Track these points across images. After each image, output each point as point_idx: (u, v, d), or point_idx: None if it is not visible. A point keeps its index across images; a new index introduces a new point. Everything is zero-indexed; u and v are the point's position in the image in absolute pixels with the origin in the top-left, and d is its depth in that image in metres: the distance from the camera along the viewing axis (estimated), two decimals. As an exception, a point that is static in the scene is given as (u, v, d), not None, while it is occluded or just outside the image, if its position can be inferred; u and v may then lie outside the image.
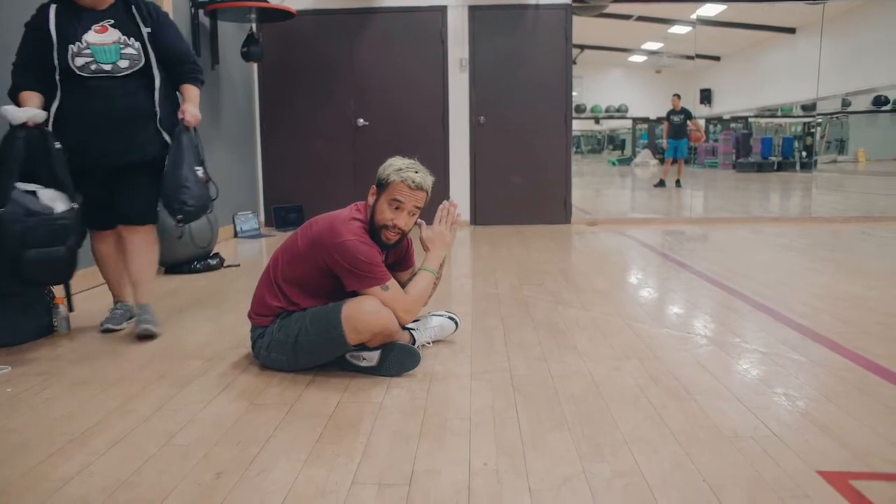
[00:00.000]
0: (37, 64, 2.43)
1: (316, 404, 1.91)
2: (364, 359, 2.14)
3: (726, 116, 12.72)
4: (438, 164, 6.03)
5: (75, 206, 2.43)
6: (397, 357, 2.14)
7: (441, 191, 5.85)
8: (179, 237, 3.68)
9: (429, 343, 2.42)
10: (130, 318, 2.80)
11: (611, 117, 12.82)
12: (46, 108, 2.45)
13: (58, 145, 2.41)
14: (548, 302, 3.16)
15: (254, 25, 5.60)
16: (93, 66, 2.44)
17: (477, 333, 2.63)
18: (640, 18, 9.59)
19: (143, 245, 2.68)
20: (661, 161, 11.47)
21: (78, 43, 2.43)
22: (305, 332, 2.07)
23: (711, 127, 12.88)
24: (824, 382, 2.04)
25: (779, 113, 12.73)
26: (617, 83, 12.81)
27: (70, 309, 2.83)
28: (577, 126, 11.92)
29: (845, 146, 13.25)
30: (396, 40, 6.13)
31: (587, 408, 1.86)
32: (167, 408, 1.91)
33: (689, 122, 9.57)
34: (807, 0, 7.70)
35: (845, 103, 12.01)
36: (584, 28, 6.98)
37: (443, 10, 6.05)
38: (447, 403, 1.91)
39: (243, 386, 2.08)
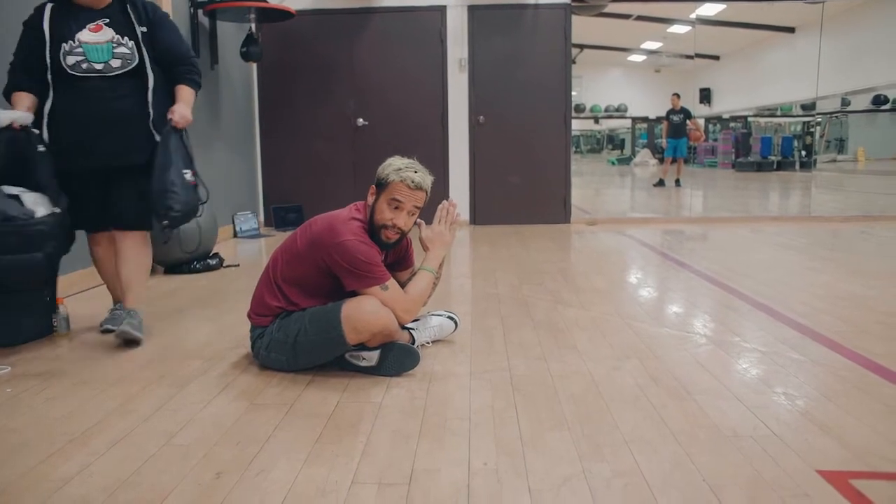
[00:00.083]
0: (32, 63, 2.42)
1: (315, 404, 1.91)
2: (363, 359, 2.14)
3: (726, 116, 12.73)
4: (438, 164, 6.02)
5: (57, 210, 2.39)
6: (397, 357, 2.14)
7: (440, 190, 5.85)
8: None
9: (428, 343, 2.42)
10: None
11: (610, 117, 12.82)
12: (39, 108, 2.43)
13: (41, 148, 2.38)
14: (547, 301, 3.16)
15: (253, 25, 5.60)
16: (84, 65, 2.41)
17: (476, 333, 2.63)
18: (640, 18, 9.60)
19: (134, 249, 2.63)
20: (661, 160, 11.48)
21: (70, 41, 2.41)
22: (305, 332, 2.07)
23: (711, 126, 12.89)
24: (824, 381, 2.04)
25: (778, 112, 12.73)
26: (616, 83, 12.82)
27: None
28: (577, 125, 11.88)
29: (845, 145, 13.26)
30: (396, 40, 6.13)
31: (587, 407, 1.86)
32: (167, 408, 1.91)
33: (688, 121, 9.57)
34: (806, -1, 7.71)
35: (845, 102, 12.01)
36: (583, 27, 6.98)
37: (442, 9, 6.05)
38: (447, 403, 1.91)
39: (243, 386, 2.08)
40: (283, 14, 5.37)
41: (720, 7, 8.80)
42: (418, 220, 2.23)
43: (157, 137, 2.52)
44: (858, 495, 1.36)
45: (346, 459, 1.56)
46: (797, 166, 12.53)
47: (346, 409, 1.88)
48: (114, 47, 2.45)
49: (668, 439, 1.64)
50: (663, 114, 9.85)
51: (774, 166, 12.51)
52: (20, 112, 2.37)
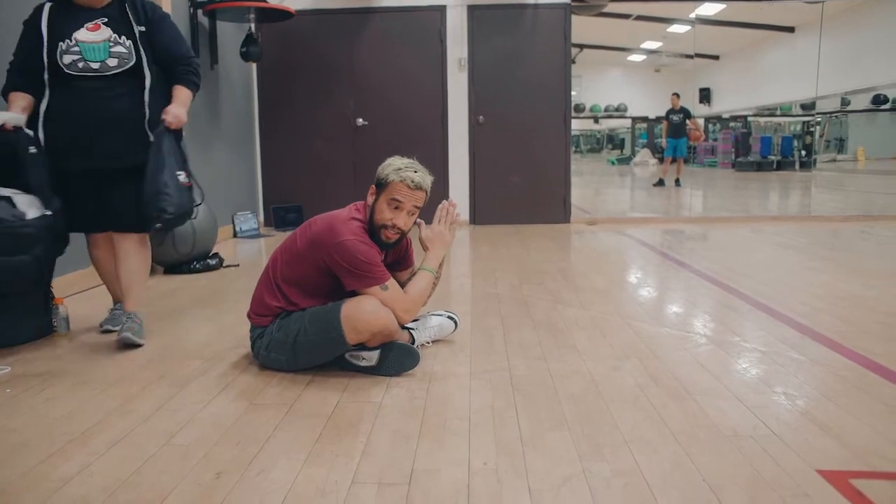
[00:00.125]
0: (30, 63, 2.41)
1: (315, 404, 1.91)
2: (363, 358, 2.14)
3: (725, 115, 12.73)
4: (438, 164, 6.03)
5: (48, 213, 2.38)
6: (397, 357, 2.14)
7: (440, 190, 5.85)
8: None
9: (428, 342, 2.42)
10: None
11: (610, 116, 12.84)
12: (36, 107, 2.43)
13: (33, 149, 2.37)
14: (547, 301, 3.16)
15: (253, 25, 5.60)
16: (80, 64, 2.40)
17: (476, 333, 2.63)
18: (639, 17, 9.60)
19: (133, 251, 2.61)
20: (661, 160, 11.48)
21: (67, 40, 2.40)
22: (305, 331, 2.07)
23: (710, 126, 12.89)
24: (824, 381, 2.04)
25: (778, 112, 12.73)
26: (616, 82, 12.83)
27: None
28: (577, 125, 11.91)
29: (844, 145, 13.25)
30: (396, 40, 6.13)
31: (587, 407, 1.86)
32: (167, 408, 1.91)
33: (688, 121, 9.58)
34: (805, -2, 7.71)
35: (844, 102, 12.01)
36: (582, 27, 6.98)
37: (442, 9, 6.05)
38: (446, 403, 1.91)
39: (243, 386, 2.08)
40: (282, 14, 5.37)
41: (720, 7, 8.80)
42: (418, 219, 2.23)
43: (152, 137, 2.50)
44: (858, 495, 1.36)
45: (346, 459, 1.56)
46: (797, 166, 12.53)
47: (346, 409, 1.88)
48: (110, 46, 2.44)
49: (668, 439, 1.64)
50: (663, 113, 9.85)
51: (774, 166, 12.51)
52: (10, 114, 2.36)
